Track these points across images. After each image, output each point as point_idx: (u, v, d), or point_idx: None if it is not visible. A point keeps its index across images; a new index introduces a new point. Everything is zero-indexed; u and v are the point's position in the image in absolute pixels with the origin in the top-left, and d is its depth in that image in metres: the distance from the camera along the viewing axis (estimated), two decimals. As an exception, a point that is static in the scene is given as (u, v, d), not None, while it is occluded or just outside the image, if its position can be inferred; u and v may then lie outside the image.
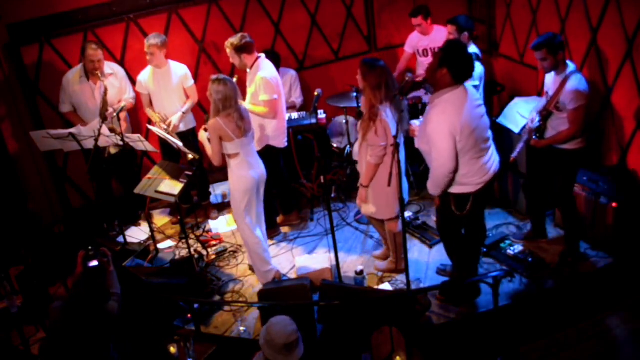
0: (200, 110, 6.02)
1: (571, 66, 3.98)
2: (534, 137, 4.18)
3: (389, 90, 3.93)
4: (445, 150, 3.49)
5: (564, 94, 3.93)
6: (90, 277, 3.19)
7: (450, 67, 3.43)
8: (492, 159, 3.73)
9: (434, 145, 3.54)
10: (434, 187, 3.75)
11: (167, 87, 5.21)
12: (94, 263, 3.21)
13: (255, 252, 4.46)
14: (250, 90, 4.75)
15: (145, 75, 5.24)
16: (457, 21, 4.78)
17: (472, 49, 4.74)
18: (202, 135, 4.45)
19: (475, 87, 4.56)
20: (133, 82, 5.47)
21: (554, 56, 3.90)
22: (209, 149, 4.24)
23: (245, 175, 4.23)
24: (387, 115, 3.94)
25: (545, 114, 4.10)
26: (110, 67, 5.21)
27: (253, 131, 4.32)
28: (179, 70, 5.26)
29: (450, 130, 3.45)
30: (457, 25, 4.75)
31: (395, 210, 4.19)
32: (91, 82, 5.09)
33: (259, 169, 4.35)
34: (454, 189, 3.69)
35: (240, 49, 4.64)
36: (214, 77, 4.14)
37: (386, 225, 4.38)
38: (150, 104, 5.31)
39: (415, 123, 4.06)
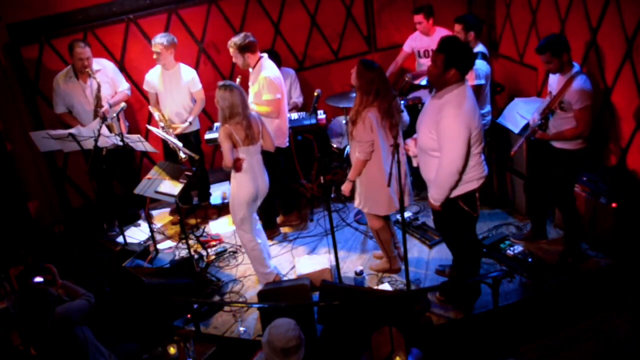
0: (202, 112, 6.03)
1: (576, 66, 3.98)
2: (539, 131, 4.14)
3: (378, 97, 3.92)
4: (461, 145, 3.41)
5: (569, 94, 3.92)
6: (32, 293, 3.29)
7: (459, 66, 3.40)
8: (484, 160, 3.73)
9: (448, 142, 3.43)
10: (439, 190, 3.60)
11: (174, 89, 5.20)
12: (39, 279, 3.28)
13: (254, 255, 4.47)
14: (253, 90, 4.76)
15: (153, 75, 5.24)
16: (464, 20, 4.76)
17: (479, 47, 4.74)
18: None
19: (482, 85, 4.56)
20: (133, 82, 5.47)
21: (559, 58, 3.90)
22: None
23: (246, 184, 4.23)
24: (372, 115, 3.94)
25: (547, 112, 4.09)
26: (98, 63, 5.16)
27: (261, 142, 4.29)
28: (187, 74, 5.24)
29: (468, 125, 3.40)
30: (465, 23, 4.72)
31: (381, 208, 4.21)
32: (81, 80, 5.07)
33: (263, 182, 4.33)
34: (460, 190, 3.62)
35: (243, 49, 4.64)
36: (220, 83, 4.10)
37: (368, 221, 4.39)
38: (157, 102, 5.31)
39: (409, 142, 3.95)
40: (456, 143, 3.42)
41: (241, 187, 4.23)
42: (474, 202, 3.68)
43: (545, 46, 3.91)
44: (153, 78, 5.22)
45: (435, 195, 3.65)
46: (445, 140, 3.45)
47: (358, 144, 4.01)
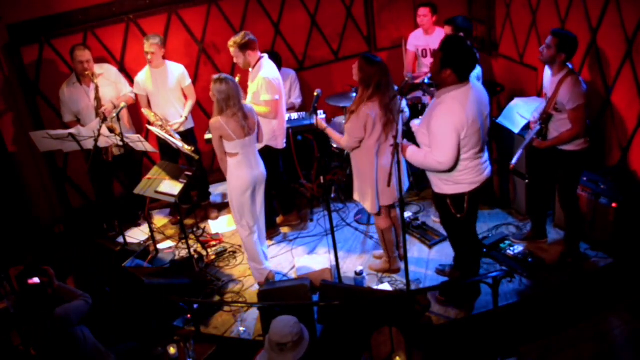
0: (200, 110, 6.03)
1: (568, 67, 3.98)
2: (537, 138, 4.16)
3: (378, 92, 3.93)
4: (449, 148, 3.44)
5: (560, 95, 3.93)
6: (30, 294, 3.32)
7: (454, 66, 3.39)
8: (487, 162, 3.73)
9: (438, 143, 3.48)
10: (414, 161, 3.68)
11: (165, 87, 5.21)
12: (35, 280, 3.30)
13: (250, 249, 4.47)
14: (251, 90, 4.75)
15: (142, 76, 5.23)
16: (454, 21, 4.82)
17: None
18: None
19: None
20: (133, 82, 5.47)
21: (557, 51, 3.88)
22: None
23: (241, 174, 4.23)
24: (372, 113, 3.94)
25: (545, 117, 4.09)
26: (100, 67, 5.20)
27: (257, 132, 4.32)
28: (176, 70, 5.26)
29: (455, 128, 3.40)
30: (454, 25, 4.78)
31: (382, 199, 4.22)
32: (84, 85, 5.09)
33: (258, 169, 4.35)
34: (450, 189, 3.66)
35: (244, 47, 4.64)
36: (215, 76, 4.13)
37: (375, 221, 4.40)
38: (148, 104, 5.31)
39: (415, 122, 4.04)
40: (445, 146, 3.45)
41: (237, 178, 4.24)
42: (461, 204, 3.68)
43: (560, 34, 3.90)
44: (143, 79, 5.23)
45: (409, 155, 3.70)
46: (435, 142, 3.50)
47: (347, 135, 4.05)
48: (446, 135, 3.43)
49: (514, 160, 4.15)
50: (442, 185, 3.69)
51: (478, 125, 3.48)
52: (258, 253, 4.48)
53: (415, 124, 4.03)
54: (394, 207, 4.40)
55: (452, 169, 3.54)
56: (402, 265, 4.28)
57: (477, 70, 4.63)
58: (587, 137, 4.06)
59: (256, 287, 4.57)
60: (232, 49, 4.69)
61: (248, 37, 4.63)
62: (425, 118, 3.64)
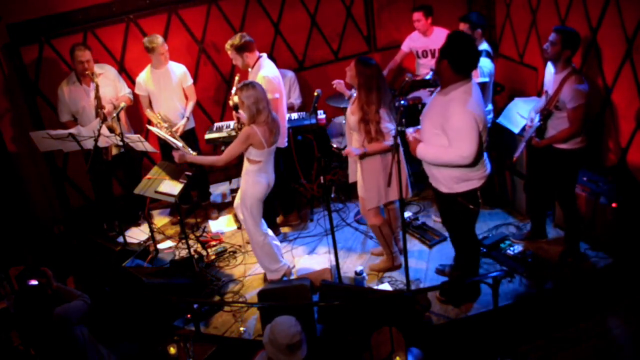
0: (200, 110, 6.03)
1: (572, 65, 3.98)
2: (535, 137, 4.17)
3: (380, 92, 3.94)
4: (473, 140, 3.40)
5: (563, 93, 3.94)
6: (30, 295, 3.33)
7: (450, 59, 3.40)
8: (487, 159, 3.74)
9: (461, 136, 3.41)
10: (428, 159, 3.64)
11: (167, 87, 5.21)
12: (33, 282, 3.31)
13: (265, 251, 4.46)
14: (252, 89, 4.75)
15: (143, 76, 5.23)
16: (469, 18, 4.79)
17: (484, 46, 4.76)
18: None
19: (485, 83, 4.56)
20: (133, 82, 5.47)
21: (562, 48, 3.89)
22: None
23: (261, 181, 4.24)
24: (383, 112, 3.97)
25: (545, 114, 4.10)
26: (100, 67, 5.20)
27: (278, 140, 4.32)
28: (178, 70, 5.27)
29: (475, 119, 3.40)
30: (470, 22, 4.75)
31: (374, 201, 4.23)
32: (84, 84, 5.09)
33: (272, 176, 4.37)
34: (461, 187, 3.64)
35: (241, 48, 4.64)
36: (239, 85, 4.13)
37: (368, 221, 4.42)
38: (150, 105, 5.31)
39: (409, 130, 4.00)
40: (468, 140, 3.41)
41: (256, 184, 4.25)
42: (475, 199, 3.70)
43: (564, 31, 3.92)
44: (145, 80, 5.22)
45: (422, 151, 3.63)
46: (457, 137, 3.44)
47: (386, 134, 3.99)
48: (470, 127, 3.40)
49: (517, 154, 4.17)
50: (454, 184, 3.65)
51: (486, 121, 3.51)
52: (275, 253, 4.49)
53: (409, 131, 3.92)
54: (392, 202, 4.39)
55: (474, 162, 3.51)
56: (402, 261, 4.28)
57: (490, 66, 4.64)
58: (584, 136, 4.06)
59: (256, 287, 4.57)
60: (229, 52, 4.69)
61: (244, 39, 4.64)
62: (432, 119, 3.58)
